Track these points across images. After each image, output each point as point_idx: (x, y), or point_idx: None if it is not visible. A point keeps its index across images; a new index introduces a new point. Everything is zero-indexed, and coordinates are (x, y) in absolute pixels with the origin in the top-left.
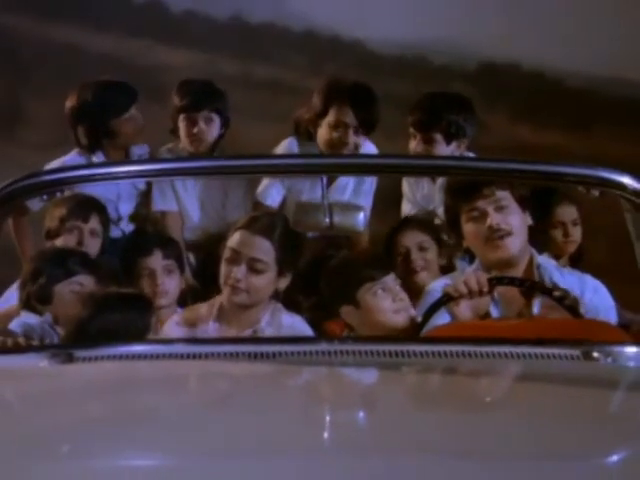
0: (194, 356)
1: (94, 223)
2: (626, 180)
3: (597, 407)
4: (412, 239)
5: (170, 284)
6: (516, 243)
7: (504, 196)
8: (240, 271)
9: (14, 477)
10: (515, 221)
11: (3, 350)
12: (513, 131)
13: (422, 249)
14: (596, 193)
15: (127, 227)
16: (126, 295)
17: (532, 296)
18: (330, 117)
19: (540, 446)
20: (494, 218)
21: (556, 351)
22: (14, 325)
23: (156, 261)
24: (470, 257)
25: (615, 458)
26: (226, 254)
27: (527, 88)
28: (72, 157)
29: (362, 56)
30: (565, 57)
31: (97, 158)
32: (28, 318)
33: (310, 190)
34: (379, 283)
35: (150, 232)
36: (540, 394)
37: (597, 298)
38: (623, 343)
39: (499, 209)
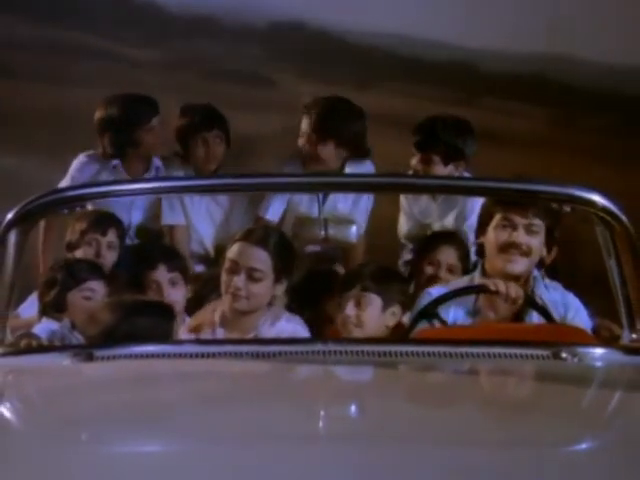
0: (202, 355)
1: (112, 236)
2: (596, 197)
3: (561, 400)
4: (446, 257)
5: (176, 295)
6: (526, 265)
7: (538, 223)
8: (240, 280)
9: (42, 460)
10: (535, 247)
11: (30, 350)
12: (301, 88)
13: (450, 270)
14: (568, 209)
15: (134, 238)
16: (151, 303)
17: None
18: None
19: (510, 434)
20: (521, 237)
21: (529, 352)
22: (37, 330)
23: (161, 274)
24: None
25: (574, 444)
26: (226, 265)
27: (313, 46)
28: (83, 158)
29: (161, 18)
30: (348, 15)
31: (115, 164)
32: (49, 324)
33: (309, 203)
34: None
35: (155, 247)
36: (513, 389)
37: (578, 318)
38: (588, 345)
39: (529, 231)
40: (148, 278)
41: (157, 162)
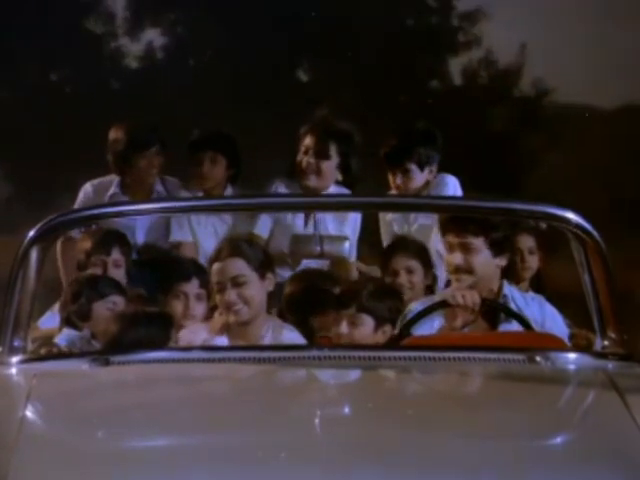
0: (208, 360)
1: (116, 254)
2: (570, 215)
3: (535, 399)
4: (401, 263)
5: (199, 309)
6: (475, 283)
7: (474, 241)
8: (230, 294)
9: (64, 454)
10: (478, 263)
11: (51, 356)
12: None
13: (409, 272)
14: (544, 225)
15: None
16: (152, 313)
17: (497, 320)
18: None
19: (488, 427)
20: (457, 258)
21: (507, 356)
22: (58, 339)
23: (191, 287)
24: None
25: (545, 436)
26: (215, 288)
27: None
28: (89, 188)
29: None
30: None
31: (115, 182)
32: (69, 333)
33: (296, 220)
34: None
35: (187, 260)
36: (492, 389)
37: (555, 326)
38: (560, 350)
39: (466, 250)
40: (177, 289)
41: (159, 187)
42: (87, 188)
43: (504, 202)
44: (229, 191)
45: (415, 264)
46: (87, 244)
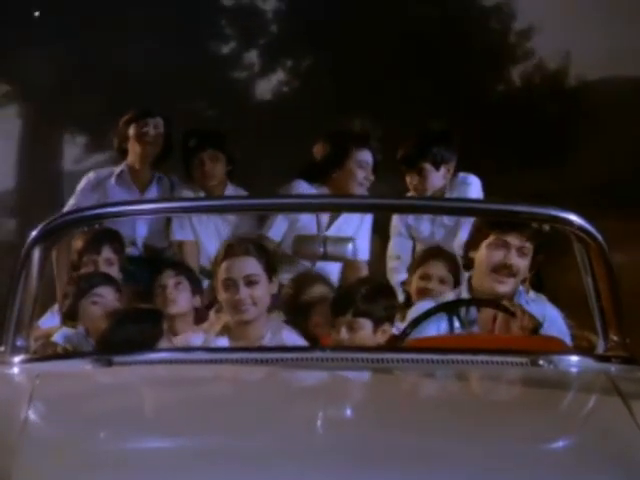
0: (211, 362)
1: (107, 253)
2: (573, 217)
3: (538, 402)
4: (437, 271)
5: (179, 295)
6: (512, 285)
7: (528, 246)
8: (242, 292)
9: (68, 455)
10: (523, 268)
11: (54, 356)
12: None
13: (442, 282)
14: (547, 227)
15: (142, 251)
16: (140, 310)
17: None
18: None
19: (492, 429)
20: (514, 258)
21: (510, 359)
22: (56, 337)
23: (166, 278)
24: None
25: (548, 438)
26: (221, 285)
27: None
28: (92, 175)
29: None
30: None
31: (122, 169)
32: (65, 331)
33: (311, 223)
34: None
35: (162, 257)
36: (495, 392)
37: (555, 327)
38: (562, 353)
39: (521, 253)
40: (155, 284)
41: (158, 174)
42: (90, 175)
43: (507, 204)
44: (229, 189)
45: (449, 277)
46: (79, 244)
